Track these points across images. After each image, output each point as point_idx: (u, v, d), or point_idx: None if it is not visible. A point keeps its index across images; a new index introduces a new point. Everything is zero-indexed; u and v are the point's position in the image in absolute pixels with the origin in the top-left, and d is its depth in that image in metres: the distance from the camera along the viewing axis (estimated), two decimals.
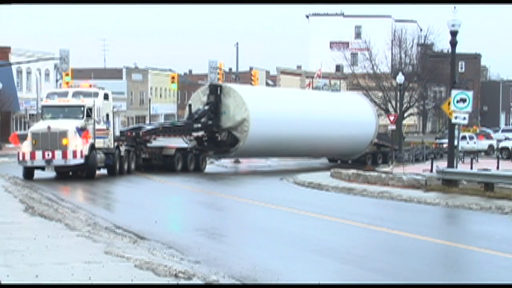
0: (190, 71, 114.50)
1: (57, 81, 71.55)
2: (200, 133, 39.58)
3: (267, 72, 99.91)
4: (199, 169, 38.23)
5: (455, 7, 28.19)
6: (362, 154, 47.69)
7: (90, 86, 34.27)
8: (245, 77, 71.22)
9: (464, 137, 58.57)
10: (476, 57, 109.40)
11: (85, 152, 30.32)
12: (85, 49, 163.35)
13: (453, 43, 28.76)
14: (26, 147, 30.71)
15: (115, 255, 12.51)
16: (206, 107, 40.29)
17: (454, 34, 28.32)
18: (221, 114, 40.35)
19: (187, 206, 24.07)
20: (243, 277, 11.87)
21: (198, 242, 15.61)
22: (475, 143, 57.57)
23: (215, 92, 40.58)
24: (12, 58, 64.71)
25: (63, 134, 30.51)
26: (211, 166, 42.09)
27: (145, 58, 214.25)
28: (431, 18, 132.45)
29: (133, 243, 14.82)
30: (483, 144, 59.30)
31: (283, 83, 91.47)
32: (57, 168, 31.14)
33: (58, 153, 30.11)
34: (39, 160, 30.36)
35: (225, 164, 44.62)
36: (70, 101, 32.21)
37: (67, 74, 49.23)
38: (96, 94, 32.85)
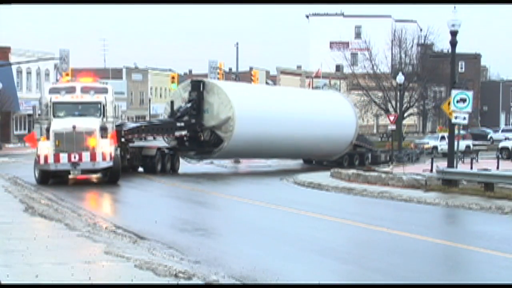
0: (190, 71, 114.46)
1: (57, 81, 71.64)
2: (183, 132, 37.30)
3: (267, 72, 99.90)
4: (174, 169, 36.32)
5: (455, 7, 28.19)
6: (342, 155, 45.81)
7: (95, 80, 31.42)
8: (245, 77, 71.16)
9: (443, 138, 58.25)
10: (476, 57, 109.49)
11: (113, 154, 28.03)
12: (85, 49, 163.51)
13: (453, 43, 28.76)
14: (46, 148, 27.69)
15: (115, 255, 12.51)
16: (189, 105, 37.78)
17: (454, 34, 28.32)
18: (204, 112, 37.89)
19: (187, 206, 24.06)
20: (243, 277, 11.87)
21: (198, 242, 15.62)
22: None
23: (198, 88, 38.07)
24: (12, 58, 64.73)
25: (90, 134, 27.94)
26: (210, 166, 42.08)
27: (145, 58, 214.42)
28: (431, 18, 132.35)
29: (133, 243, 14.82)
30: (460, 144, 58.48)
31: (283, 83, 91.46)
32: (84, 172, 28.47)
33: (85, 155, 27.58)
34: (64, 163, 27.55)
35: (225, 164, 44.54)
36: (84, 97, 29.46)
37: (67, 74, 49.21)
38: (105, 90, 30.33)
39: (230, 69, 74.45)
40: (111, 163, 28.06)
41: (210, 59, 58.78)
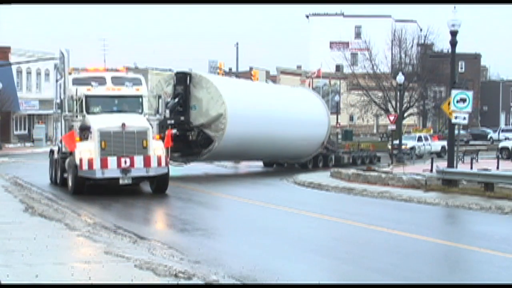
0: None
1: (57, 81, 71.65)
2: (173, 131, 32.45)
3: (267, 72, 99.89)
4: None
5: (455, 7, 28.21)
6: (313, 156, 42.88)
7: (126, 70, 27.84)
8: (245, 77, 71.06)
9: (420, 138, 58.07)
10: (476, 57, 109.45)
11: (168, 158, 24.53)
12: (85, 49, 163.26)
13: (453, 43, 28.76)
14: (87, 151, 23.36)
15: (115, 255, 12.52)
16: (176, 100, 33.85)
17: (454, 34, 28.33)
18: (190, 108, 34.12)
19: (188, 205, 24.04)
20: (243, 277, 11.87)
21: (198, 242, 15.63)
22: (429, 144, 56.79)
23: (184, 82, 34.12)
24: (12, 58, 64.73)
25: (143, 134, 23.78)
26: (210, 166, 42.04)
27: (145, 58, 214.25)
28: (431, 18, 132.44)
29: (133, 243, 14.83)
30: (436, 145, 58.04)
31: (283, 83, 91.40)
32: (135, 180, 24.36)
33: (138, 160, 23.48)
34: (113, 169, 23.34)
35: (225, 164, 44.51)
36: (122, 89, 25.17)
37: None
38: (139, 81, 26.07)
39: (230, 69, 74.54)
40: (165, 170, 24.32)
41: (210, 59, 59.12)
